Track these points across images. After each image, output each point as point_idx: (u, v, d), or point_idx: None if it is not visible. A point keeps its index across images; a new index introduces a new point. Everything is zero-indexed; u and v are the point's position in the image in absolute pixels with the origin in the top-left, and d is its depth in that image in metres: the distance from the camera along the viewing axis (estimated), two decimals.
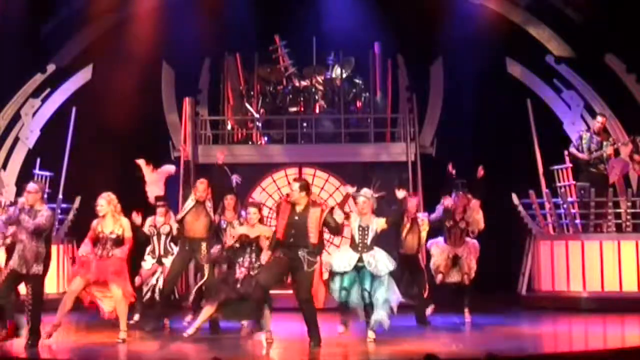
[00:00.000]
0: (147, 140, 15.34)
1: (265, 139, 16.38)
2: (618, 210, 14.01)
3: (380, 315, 10.16)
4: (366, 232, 10.29)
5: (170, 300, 11.51)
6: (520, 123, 14.94)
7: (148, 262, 11.77)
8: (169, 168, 12.41)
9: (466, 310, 12.11)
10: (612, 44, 15.12)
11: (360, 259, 10.22)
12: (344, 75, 16.36)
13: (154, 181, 12.13)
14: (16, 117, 15.35)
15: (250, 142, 16.36)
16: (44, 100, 15.46)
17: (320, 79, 16.55)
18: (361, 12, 15.88)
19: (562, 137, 14.95)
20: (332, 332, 10.52)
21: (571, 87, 15.36)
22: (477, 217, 12.22)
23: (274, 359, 9.79)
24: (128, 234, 10.35)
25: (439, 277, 12.08)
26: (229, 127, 16.35)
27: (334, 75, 16.54)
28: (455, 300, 12.46)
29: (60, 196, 14.48)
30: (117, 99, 15.38)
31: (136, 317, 11.67)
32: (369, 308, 10.27)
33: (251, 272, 10.22)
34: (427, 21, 15.56)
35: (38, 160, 14.80)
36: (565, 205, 14.18)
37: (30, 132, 15.35)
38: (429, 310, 12.04)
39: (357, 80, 16.53)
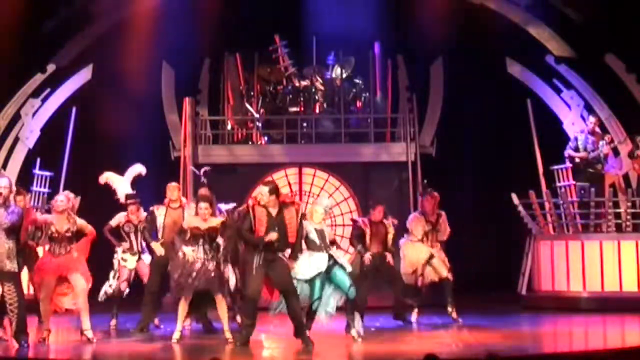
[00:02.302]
0: (147, 140, 15.34)
1: (265, 139, 16.38)
2: (618, 210, 14.00)
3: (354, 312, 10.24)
4: (324, 234, 10.33)
5: (157, 300, 11.46)
6: (520, 123, 14.95)
7: (130, 262, 11.64)
8: (139, 169, 12.43)
9: (452, 309, 12.00)
10: (612, 44, 15.12)
11: (330, 257, 10.21)
12: (344, 75, 16.36)
13: (121, 182, 12.19)
14: (16, 117, 15.36)
15: (250, 142, 16.36)
16: (44, 100, 15.46)
17: (320, 79, 16.55)
18: (361, 12, 15.87)
19: (562, 137, 14.95)
20: (330, 333, 10.52)
21: (571, 87, 15.37)
22: (446, 228, 12.25)
23: (273, 359, 9.79)
24: (88, 228, 10.35)
25: (420, 280, 12.08)
26: (229, 127, 16.35)
27: (334, 75, 16.54)
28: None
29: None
30: (117, 99, 15.39)
31: (113, 322, 11.63)
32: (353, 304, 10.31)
33: (206, 264, 10.23)
34: (427, 21, 15.55)
35: (38, 160, 14.80)
36: (565, 205, 14.18)
37: (30, 132, 15.35)
38: (414, 316, 12.05)
39: (357, 80, 16.53)
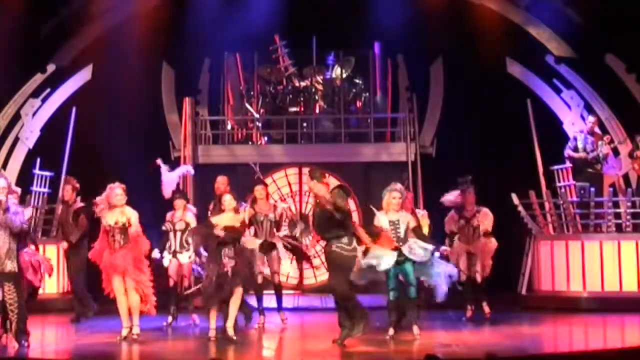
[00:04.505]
0: (147, 140, 15.35)
1: (265, 139, 16.38)
2: (618, 210, 14.00)
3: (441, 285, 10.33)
4: (398, 225, 10.34)
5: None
6: (520, 123, 14.94)
7: (165, 259, 11.65)
8: (187, 168, 12.59)
9: (486, 305, 12.23)
10: (612, 44, 15.12)
11: (400, 253, 10.24)
12: (344, 75, 16.37)
13: (170, 181, 12.27)
14: (16, 117, 15.35)
15: (250, 142, 16.36)
16: (44, 100, 15.46)
17: (320, 79, 16.55)
18: (362, 11, 15.87)
19: (562, 137, 14.95)
20: (330, 333, 10.52)
21: (571, 87, 15.36)
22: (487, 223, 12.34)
23: (273, 359, 9.79)
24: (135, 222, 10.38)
25: (461, 276, 12.12)
26: (229, 127, 16.36)
27: (334, 75, 16.54)
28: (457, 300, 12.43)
29: (60, 196, 14.46)
30: (117, 99, 15.38)
31: (169, 319, 11.70)
32: (412, 303, 10.35)
33: (237, 263, 10.24)
34: (427, 21, 15.55)
35: (38, 160, 14.79)
36: (565, 205, 14.18)
37: (30, 132, 15.34)
38: (469, 312, 12.18)
39: (357, 80, 16.53)
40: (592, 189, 13.97)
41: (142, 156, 14.61)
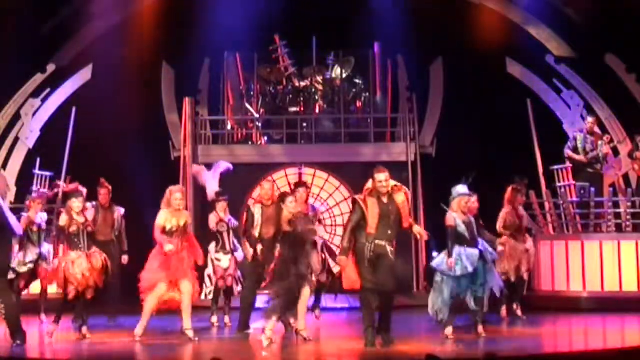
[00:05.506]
0: (147, 140, 15.35)
1: (265, 139, 16.39)
2: (618, 210, 14.00)
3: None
4: (472, 226, 10.37)
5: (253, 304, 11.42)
6: (520, 123, 14.94)
7: (224, 261, 11.61)
8: (225, 164, 12.59)
9: (517, 306, 12.30)
10: (612, 44, 15.12)
11: (480, 255, 10.26)
12: (344, 75, 16.37)
13: (213, 182, 12.26)
14: (16, 117, 15.37)
15: (250, 142, 16.37)
16: (44, 100, 15.47)
17: (320, 79, 16.55)
18: (362, 11, 15.88)
19: (562, 137, 14.95)
20: (330, 332, 10.52)
21: (571, 87, 15.37)
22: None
23: (274, 359, 9.78)
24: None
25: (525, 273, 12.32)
26: (229, 127, 16.36)
27: (334, 75, 16.55)
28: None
29: (60, 196, 14.46)
30: (117, 99, 15.38)
31: (226, 319, 11.73)
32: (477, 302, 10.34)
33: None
34: (427, 21, 15.56)
35: (38, 160, 14.79)
36: (565, 205, 14.18)
37: (30, 132, 15.36)
38: (519, 311, 12.28)
39: (357, 80, 16.54)
40: (592, 189, 13.97)
41: (142, 156, 14.63)
